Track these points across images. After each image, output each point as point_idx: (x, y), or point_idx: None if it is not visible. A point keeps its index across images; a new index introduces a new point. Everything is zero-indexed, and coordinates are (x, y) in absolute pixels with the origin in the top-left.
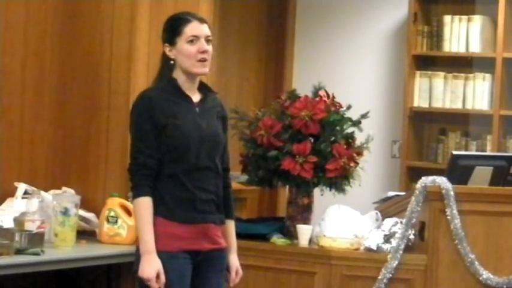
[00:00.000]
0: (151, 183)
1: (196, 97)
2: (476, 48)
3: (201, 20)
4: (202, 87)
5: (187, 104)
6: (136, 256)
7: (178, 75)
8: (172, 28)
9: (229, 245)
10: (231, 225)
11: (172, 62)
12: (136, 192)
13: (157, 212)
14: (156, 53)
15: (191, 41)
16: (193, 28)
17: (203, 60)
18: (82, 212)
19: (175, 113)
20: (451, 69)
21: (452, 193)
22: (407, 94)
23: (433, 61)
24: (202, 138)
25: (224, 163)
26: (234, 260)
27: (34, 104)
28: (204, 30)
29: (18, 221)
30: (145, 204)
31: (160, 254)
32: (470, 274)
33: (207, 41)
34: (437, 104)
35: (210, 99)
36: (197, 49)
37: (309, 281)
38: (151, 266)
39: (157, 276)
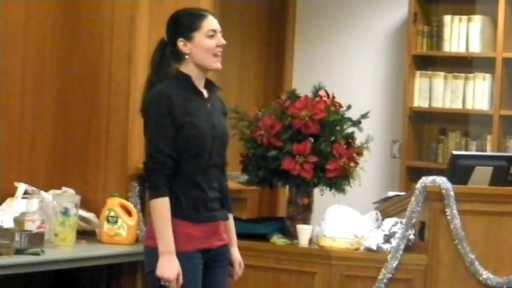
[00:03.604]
0: (168, 183)
1: (205, 93)
2: (476, 48)
3: (214, 15)
4: (207, 83)
5: (201, 101)
6: (151, 256)
7: (190, 71)
8: (188, 22)
9: (230, 239)
10: (231, 220)
11: (187, 57)
12: (156, 192)
13: (173, 213)
14: None
15: (211, 36)
16: (211, 22)
17: (219, 55)
18: (82, 212)
19: (192, 111)
20: (451, 69)
21: (452, 193)
22: (407, 94)
23: (433, 61)
24: (215, 136)
25: (225, 158)
26: (236, 254)
27: (34, 104)
28: (218, 24)
29: (18, 221)
30: (165, 204)
31: (179, 254)
32: (470, 274)
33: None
34: (437, 104)
35: (214, 95)
36: (216, 43)
37: (309, 281)
38: (172, 267)
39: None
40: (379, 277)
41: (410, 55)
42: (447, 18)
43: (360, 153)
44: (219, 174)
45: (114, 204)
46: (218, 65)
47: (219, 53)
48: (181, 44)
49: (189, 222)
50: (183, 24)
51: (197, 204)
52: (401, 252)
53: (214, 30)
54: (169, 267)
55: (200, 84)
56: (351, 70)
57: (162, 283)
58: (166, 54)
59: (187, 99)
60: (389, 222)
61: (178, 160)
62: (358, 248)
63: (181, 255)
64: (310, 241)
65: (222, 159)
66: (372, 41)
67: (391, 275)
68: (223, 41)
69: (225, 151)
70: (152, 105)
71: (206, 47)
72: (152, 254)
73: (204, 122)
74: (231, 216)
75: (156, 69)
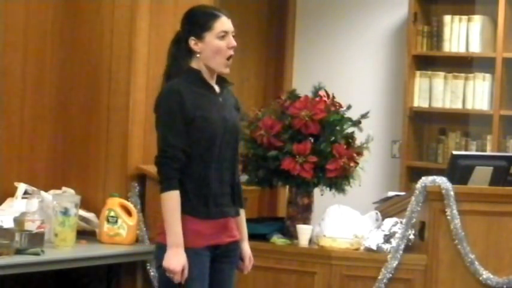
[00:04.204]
0: (179, 177)
1: (216, 88)
2: (476, 48)
3: (228, 15)
4: (219, 78)
5: (212, 96)
6: (160, 249)
7: (201, 67)
8: (201, 22)
9: (241, 234)
10: (242, 214)
11: (198, 55)
12: (166, 185)
13: (182, 209)
14: (156, 52)
15: (222, 37)
16: (223, 23)
17: (230, 57)
18: (82, 212)
19: (202, 105)
20: (451, 69)
21: (452, 193)
22: (407, 94)
23: (433, 61)
24: (226, 130)
25: (237, 153)
26: (246, 248)
27: (34, 104)
28: (231, 25)
29: (18, 221)
30: (175, 198)
31: (186, 250)
32: (470, 274)
33: (233, 36)
34: (437, 104)
35: (226, 90)
36: (226, 44)
37: (309, 281)
38: (178, 260)
39: (182, 271)
40: (379, 277)
41: (410, 55)
42: (447, 18)
43: (360, 153)
44: (231, 169)
45: (114, 204)
46: (227, 70)
47: (230, 55)
48: (192, 42)
49: (197, 219)
50: (196, 23)
51: (206, 201)
52: (401, 252)
53: (225, 32)
54: (175, 259)
55: (211, 79)
56: (351, 70)
57: (167, 274)
58: (181, 48)
59: (198, 93)
60: (389, 222)
61: (190, 155)
62: (358, 248)
63: (188, 251)
64: (310, 241)
65: (233, 154)
66: (372, 41)
67: (391, 275)
68: (234, 43)
69: (236, 145)
70: (163, 101)
71: (216, 48)
72: (162, 250)
73: (215, 115)
74: (242, 212)
75: (172, 62)
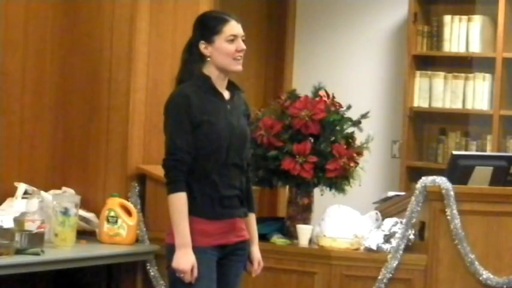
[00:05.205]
0: (186, 179)
1: (226, 94)
2: (476, 48)
3: (237, 20)
4: (230, 85)
5: (220, 102)
6: (169, 250)
7: (211, 72)
8: (210, 26)
9: (251, 237)
10: (252, 218)
11: (208, 59)
12: (173, 187)
13: (188, 210)
14: (156, 52)
15: (231, 40)
16: (232, 28)
17: (239, 59)
18: (82, 212)
19: (210, 111)
20: (451, 69)
21: (452, 193)
22: (407, 94)
23: (433, 61)
24: (233, 136)
25: (246, 158)
26: (256, 252)
27: (34, 104)
28: (240, 29)
29: (18, 221)
30: (182, 199)
31: (193, 248)
32: (470, 274)
33: (242, 40)
34: (437, 104)
35: (237, 96)
36: (235, 48)
37: (309, 281)
38: (187, 259)
39: (191, 270)
40: (379, 277)
41: (410, 55)
42: (447, 18)
43: (360, 153)
44: (239, 173)
45: (114, 204)
46: (239, 67)
47: (239, 58)
48: (202, 46)
49: (203, 219)
50: (206, 27)
51: (212, 202)
52: (401, 252)
53: (235, 35)
54: (184, 259)
55: (221, 86)
56: (351, 70)
57: (177, 275)
58: (193, 53)
59: (206, 99)
60: (389, 222)
61: (196, 158)
62: (358, 248)
63: (195, 250)
64: (310, 241)
65: (241, 159)
66: (372, 41)
67: (391, 275)
68: (243, 46)
69: (243, 151)
70: (171, 104)
71: (225, 51)
72: (171, 250)
73: (222, 121)
74: (252, 215)
75: (184, 68)
